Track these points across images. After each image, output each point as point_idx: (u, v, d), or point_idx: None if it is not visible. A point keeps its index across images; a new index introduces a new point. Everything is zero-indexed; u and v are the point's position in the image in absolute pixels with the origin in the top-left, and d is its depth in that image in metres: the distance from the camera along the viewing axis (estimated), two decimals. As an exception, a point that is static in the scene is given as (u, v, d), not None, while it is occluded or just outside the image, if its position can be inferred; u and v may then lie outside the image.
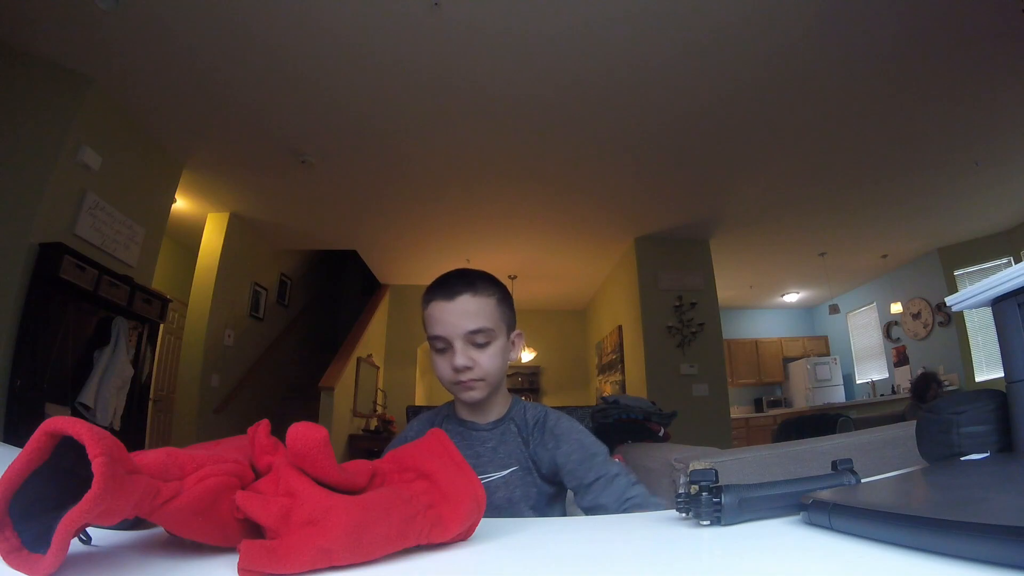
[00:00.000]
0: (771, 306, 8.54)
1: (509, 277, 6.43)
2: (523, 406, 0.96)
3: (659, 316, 5.15)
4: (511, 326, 0.92)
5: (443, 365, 0.87)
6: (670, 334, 5.11)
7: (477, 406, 0.92)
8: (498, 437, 0.92)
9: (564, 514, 0.93)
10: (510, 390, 0.97)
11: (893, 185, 4.43)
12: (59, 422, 0.27)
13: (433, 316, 0.86)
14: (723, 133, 3.62)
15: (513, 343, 0.93)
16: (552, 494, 0.90)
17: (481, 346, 0.86)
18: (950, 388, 5.50)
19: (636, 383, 5.34)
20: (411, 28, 2.64)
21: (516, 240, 5.52)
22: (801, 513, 0.41)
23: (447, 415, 0.97)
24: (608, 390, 6.39)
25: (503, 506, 0.86)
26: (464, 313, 0.85)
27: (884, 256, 6.26)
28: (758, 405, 7.98)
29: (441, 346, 0.86)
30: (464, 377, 0.85)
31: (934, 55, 2.90)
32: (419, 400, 6.86)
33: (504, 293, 0.92)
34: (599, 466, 0.85)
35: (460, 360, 0.84)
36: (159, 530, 0.37)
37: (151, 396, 3.69)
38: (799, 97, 3.25)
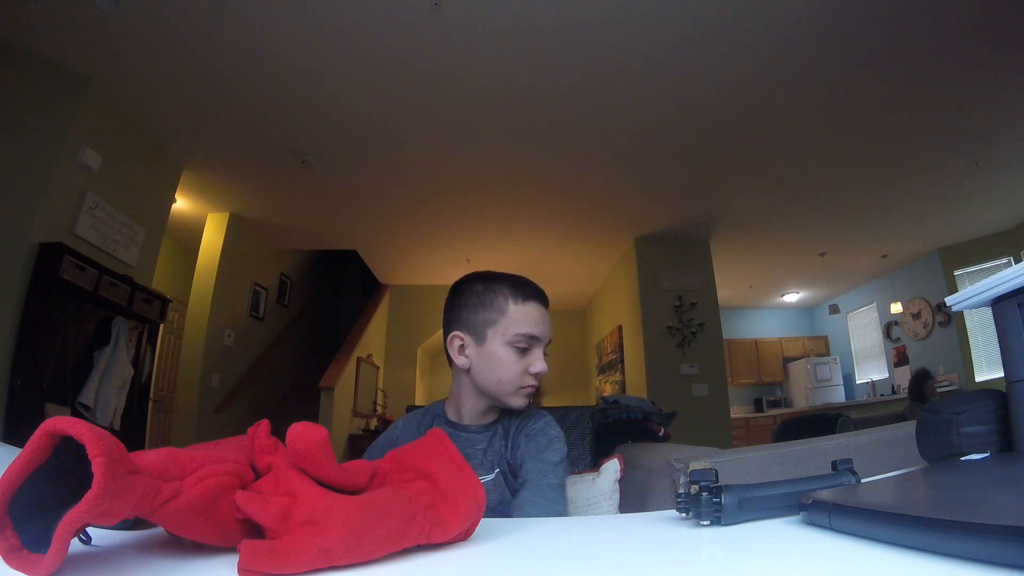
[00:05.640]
0: (771, 306, 8.54)
1: (509, 277, 6.42)
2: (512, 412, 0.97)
3: (659, 316, 5.15)
4: None
5: (518, 366, 0.89)
6: (670, 334, 5.10)
7: (478, 409, 0.93)
8: (487, 440, 0.92)
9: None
10: None
11: (893, 185, 4.43)
12: (59, 422, 0.27)
13: (534, 317, 0.90)
14: (723, 133, 3.62)
15: None
16: None
17: (546, 356, 0.93)
18: (949, 388, 5.51)
19: (636, 383, 5.34)
20: (411, 28, 2.64)
21: (516, 240, 5.52)
22: (801, 513, 0.41)
23: (437, 415, 0.97)
24: (608, 390, 6.39)
25: (496, 507, 0.86)
26: (551, 325, 0.94)
27: (884, 256, 6.26)
28: (758, 405, 7.98)
29: (525, 346, 0.89)
30: (536, 382, 0.90)
31: (934, 55, 2.90)
32: (419, 400, 6.86)
33: None
34: (539, 473, 0.85)
35: (543, 366, 0.90)
36: (159, 530, 0.37)
37: (151, 396, 3.69)
38: (799, 97, 3.25)
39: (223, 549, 0.34)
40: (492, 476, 0.89)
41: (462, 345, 0.91)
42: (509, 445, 0.92)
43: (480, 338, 0.89)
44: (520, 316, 0.88)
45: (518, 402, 0.90)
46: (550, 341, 0.93)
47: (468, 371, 0.91)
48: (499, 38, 2.73)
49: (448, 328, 0.93)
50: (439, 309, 0.98)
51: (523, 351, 0.89)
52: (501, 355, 0.88)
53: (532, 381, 0.89)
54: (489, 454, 0.91)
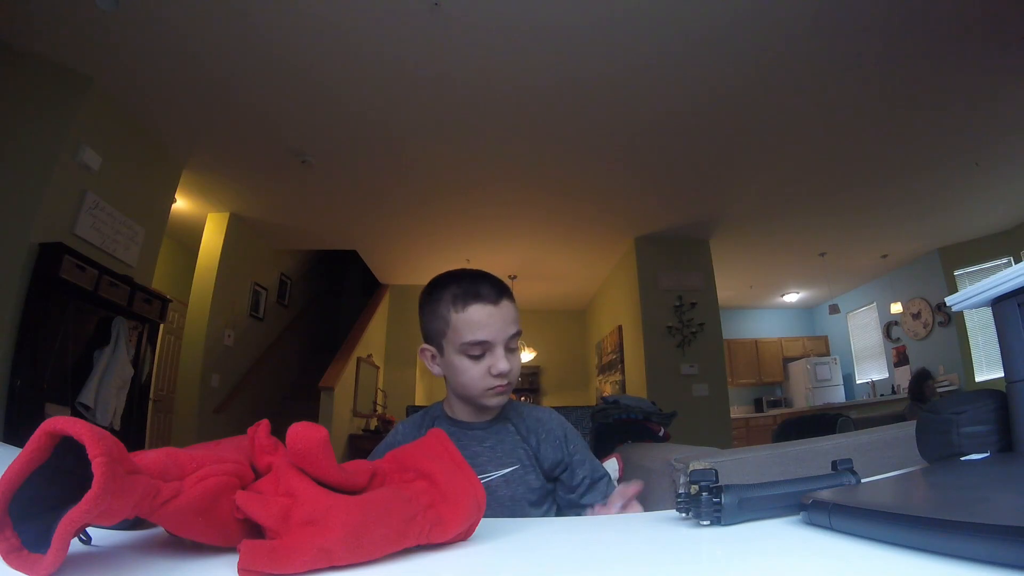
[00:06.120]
0: (771, 306, 8.54)
1: (509, 277, 6.43)
2: (517, 406, 0.98)
3: (659, 316, 5.14)
4: None
5: (478, 371, 0.84)
6: (670, 334, 5.10)
7: (477, 407, 0.92)
8: (495, 436, 0.92)
9: (555, 509, 0.94)
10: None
11: (893, 185, 4.43)
12: (59, 422, 0.27)
13: (477, 321, 0.83)
14: (723, 133, 3.62)
15: None
16: (550, 490, 0.93)
17: (513, 351, 0.87)
18: (949, 388, 5.51)
19: (636, 383, 5.34)
20: (411, 28, 2.64)
21: (516, 240, 5.52)
22: (801, 513, 0.41)
23: (438, 416, 0.97)
24: (608, 390, 6.39)
25: (507, 504, 0.86)
26: (508, 319, 0.85)
27: (884, 256, 6.26)
28: (758, 405, 7.98)
29: (479, 352, 0.84)
30: (503, 382, 0.85)
31: (933, 55, 2.90)
32: (419, 400, 6.86)
33: None
34: (599, 467, 0.95)
35: (505, 365, 0.83)
36: (159, 530, 0.37)
37: (151, 396, 3.69)
38: (799, 97, 3.25)
39: (223, 549, 0.34)
40: (506, 472, 0.88)
41: (432, 355, 0.91)
42: (532, 443, 0.92)
43: (440, 349, 0.88)
44: (462, 324, 0.83)
45: (492, 402, 0.88)
46: (516, 333, 0.86)
47: (445, 378, 0.92)
48: (499, 38, 2.73)
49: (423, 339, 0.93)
50: None
51: (478, 356, 0.84)
52: (457, 364, 0.85)
53: (498, 382, 0.84)
54: (499, 451, 0.91)
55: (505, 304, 0.85)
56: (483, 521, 0.43)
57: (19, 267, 2.60)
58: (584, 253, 5.89)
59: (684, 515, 0.43)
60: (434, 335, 0.88)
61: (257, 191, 4.43)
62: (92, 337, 2.96)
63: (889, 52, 2.87)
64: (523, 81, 3.06)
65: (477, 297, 0.84)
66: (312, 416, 4.64)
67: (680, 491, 0.43)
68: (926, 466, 0.62)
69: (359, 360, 5.65)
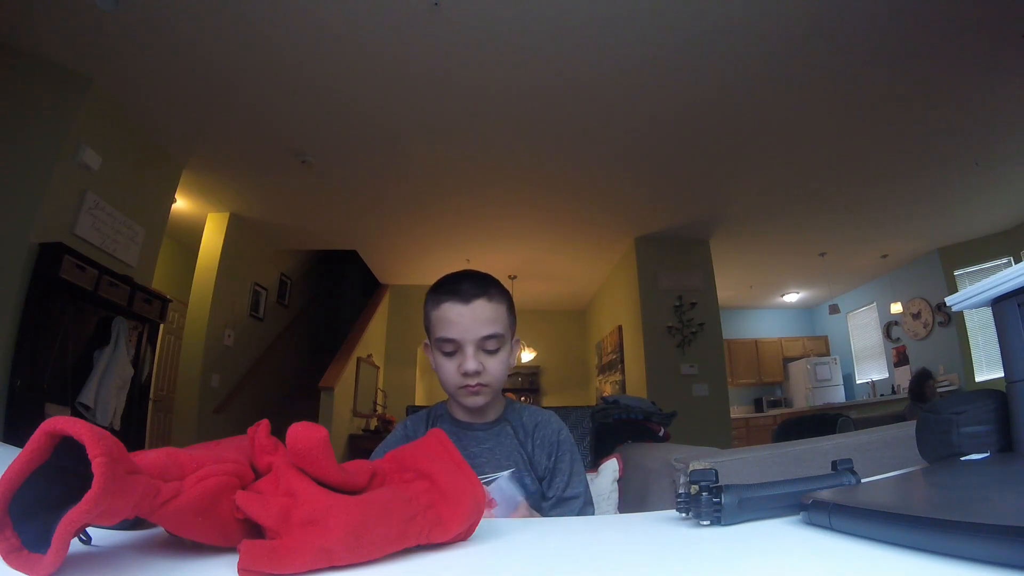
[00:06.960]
0: (771, 306, 8.54)
1: (509, 277, 6.43)
2: (518, 408, 0.98)
3: (659, 316, 5.14)
4: (513, 332, 0.95)
5: (450, 368, 0.86)
6: (670, 334, 5.10)
7: (461, 409, 0.93)
8: (494, 438, 0.93)
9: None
10: (511, 390, 0.98)
11: (893, 185, 4.43)
12: (59, 422, 0.27)
13: (447, 318, 0.85)
14: (723, 133, 3.62)
15: (512, 348, 0.94)
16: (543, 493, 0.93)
17: (491, 352, 0.87)
18: (949, 388, 5.51)
19: (636, 383, 5.34)
20: (411, 28, 2.64)
21: (516, 240, 5.52)
22: (801, 513, 0.41)
23: (440, 415, 0.98)
24: (608, 390, 6.38)
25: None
26: (480, 319, 0.85)
27: (884, 256, 6.26)
28: (758, 405, 7.98)
29: (450, 349, 0.86)
30: (472, 382, 0.86)
31: (934, 55, 2.90)
32: (419, 400, 6.86)
33: (510, 299, 0.94)
34: (578, 485, 0.92)
35: (471, 365, 0.84)
36: (159, 530, 0.37)
37: (151, 396, 3.69)
38: (799, 96, 3.25)
39: (223, 549, 0.34)
40: (505, 475, 0.89)
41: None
42: (528, 447, 0.92)
43: (431, 343, 0.92)
44: (436, 321, 0.86)
45: (466, 402, 0.89)
46: (492, 335, 0.86)
47: None
48: (499, 38, 2.73)
49: None
50: None
51: (450, 354, 0.86)
52: (436, 360, 0.89)
53: (467, 381, 0.86)
54: (497, 452, 0.91)
55: (478, 304, 0.86)
56: (483, 521, 0.43)
57: (19, 267, 2.60)
58: (584, 253, 5.89)
59: (684, 515, 0.43)
60: (426, 330, 0.93)
61: (257, 191, 4.43)
62: (92, 337, 2.96)
63: (889, 52, 2.87)
64: (523, 81, 3.06)
65: (449, 295, 0.86)
66: (312, 416, 4.64)
67: (680, 491, 0.43)
68: (926, 466, 0.63)
69: (359, 360, 5.65)
